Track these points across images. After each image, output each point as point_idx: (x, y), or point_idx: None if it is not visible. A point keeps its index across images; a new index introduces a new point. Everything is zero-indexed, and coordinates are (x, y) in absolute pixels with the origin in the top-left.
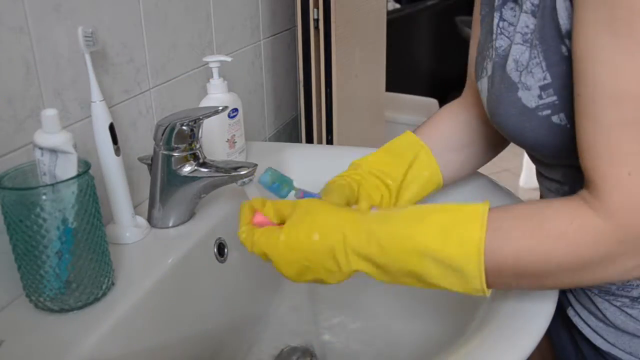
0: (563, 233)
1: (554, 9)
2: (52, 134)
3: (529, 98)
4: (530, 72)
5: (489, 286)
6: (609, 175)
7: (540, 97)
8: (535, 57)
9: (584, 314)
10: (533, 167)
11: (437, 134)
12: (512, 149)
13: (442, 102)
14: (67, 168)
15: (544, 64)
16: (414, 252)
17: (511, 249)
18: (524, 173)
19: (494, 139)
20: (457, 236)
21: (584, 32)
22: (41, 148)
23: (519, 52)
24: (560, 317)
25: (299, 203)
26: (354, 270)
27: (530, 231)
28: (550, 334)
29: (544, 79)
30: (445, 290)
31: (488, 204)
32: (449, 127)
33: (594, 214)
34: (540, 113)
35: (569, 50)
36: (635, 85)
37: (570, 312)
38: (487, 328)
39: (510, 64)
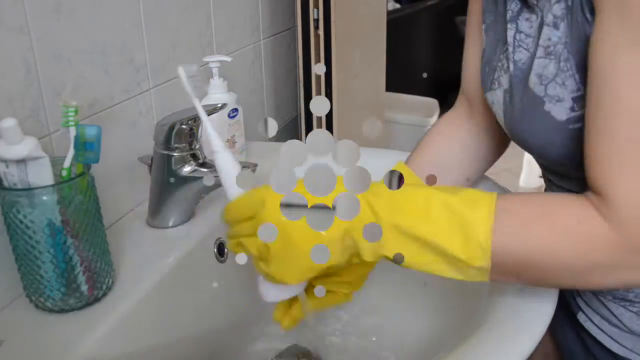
0: (570, 229)
1: (585, 19)
2: (15, 144)
3: (560, 110)
4: (563, 84)
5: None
6: (622, 189)
7: (572, 109)
8: (568, 70)
9: (596, 318)
10: (533, 167)
11: (428, 161)
12: (512, 148)
13: (442, 102)
14: (41, 172)
15: (577, 75)
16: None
17: (518, 233)
18: (524, 173)
19: (493, 148)
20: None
21: (603, 44)
22: (5, 161)
23: (542, 66)
24: (569, 322)
25: None
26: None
27: (538, 217)
28: (557, 339)
29: (578, 90)
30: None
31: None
32: (444, 153)
33: (602, 220)
34: (571, 126)
35: None
36: None
37: (582, 317)
38: (486, 328)
39: (533, 79)
